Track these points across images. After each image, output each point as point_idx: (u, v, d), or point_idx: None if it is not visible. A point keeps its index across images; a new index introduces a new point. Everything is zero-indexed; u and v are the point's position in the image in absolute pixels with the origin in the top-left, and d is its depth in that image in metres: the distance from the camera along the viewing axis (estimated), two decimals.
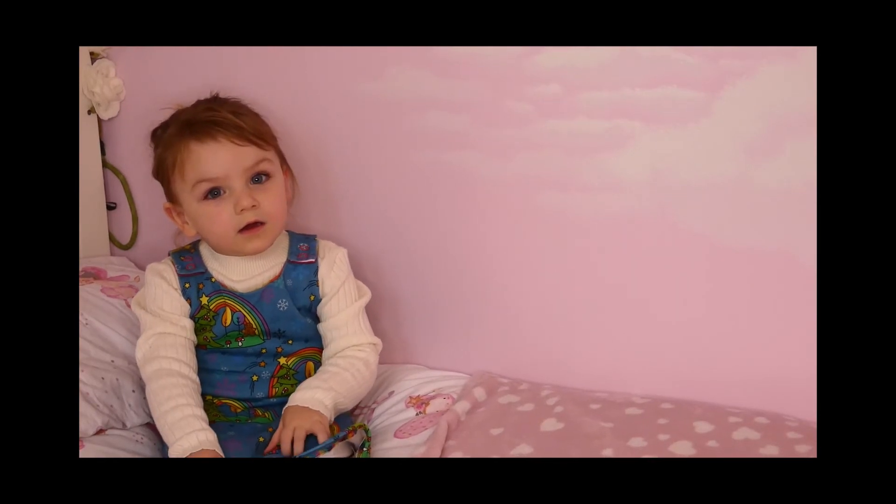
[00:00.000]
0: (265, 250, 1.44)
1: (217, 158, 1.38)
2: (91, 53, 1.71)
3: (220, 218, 1.39)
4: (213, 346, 1.43)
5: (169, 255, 1.48)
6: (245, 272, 1.45)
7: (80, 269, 1.66)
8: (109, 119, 1.74)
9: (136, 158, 1.72)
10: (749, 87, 1.35)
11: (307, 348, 1.47)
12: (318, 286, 1.47)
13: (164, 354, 1.39)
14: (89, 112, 1.73)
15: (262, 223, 1.40)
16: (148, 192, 1.74)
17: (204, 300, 1.43)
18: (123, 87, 1.72)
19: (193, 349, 1.43)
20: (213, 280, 1.44)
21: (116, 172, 1.78)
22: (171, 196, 1.46)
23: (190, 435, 1.31)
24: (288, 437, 1.32)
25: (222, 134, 1.39)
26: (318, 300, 1.47)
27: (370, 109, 1.57)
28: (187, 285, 1.43)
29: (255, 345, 1.43)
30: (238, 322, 1.42)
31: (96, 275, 1.66)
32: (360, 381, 1.43)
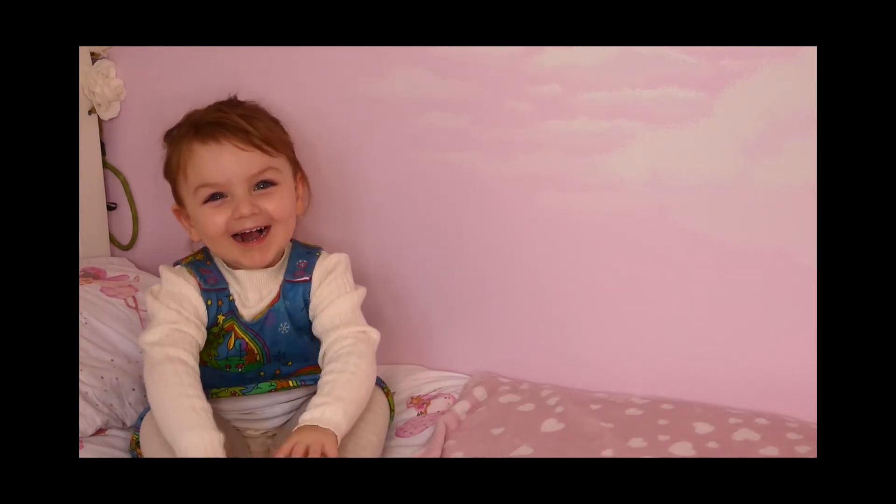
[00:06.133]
0: (266, 263, 1.38)
1: (219, 163, 1.32)
2: (91, 54, 1.71)
3: (215, 220, 1.33)
4: (213, 366, 1.39)
5: (183, 265, 1.39)
6: (254, 287, 1.39)
7: (80, 269, 1.66)
8: (110, 119, 1.74)
9: (137, 159, 1.73)
10: (749, 87, 1.35)
11: (306, 367, 1.42)
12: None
13: (180, 347, 1.31)
14: (90, 112, 1.73)
15: (267, 228, 1.35)
16: (148, 192, 1.75)
17: (220, 318, 1.37)
18: (124, 87, 1.72)
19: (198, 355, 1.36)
20: (230, 298, 1.38)
21: (117, 173, 1.78)
22: (178, 198, 1.40)
23: (202, 432, 1.22)
24: (286, 451, 1.22)
25: (225, 137, 1.33)
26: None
27: (371, 109, 1.57)
28: (209, 302, 1.37)
29: (254, 370, 1.40)
30: (240, 349, 1.38)
31: (96, 275, 1.66)
32: (362, 376, 1.33)
